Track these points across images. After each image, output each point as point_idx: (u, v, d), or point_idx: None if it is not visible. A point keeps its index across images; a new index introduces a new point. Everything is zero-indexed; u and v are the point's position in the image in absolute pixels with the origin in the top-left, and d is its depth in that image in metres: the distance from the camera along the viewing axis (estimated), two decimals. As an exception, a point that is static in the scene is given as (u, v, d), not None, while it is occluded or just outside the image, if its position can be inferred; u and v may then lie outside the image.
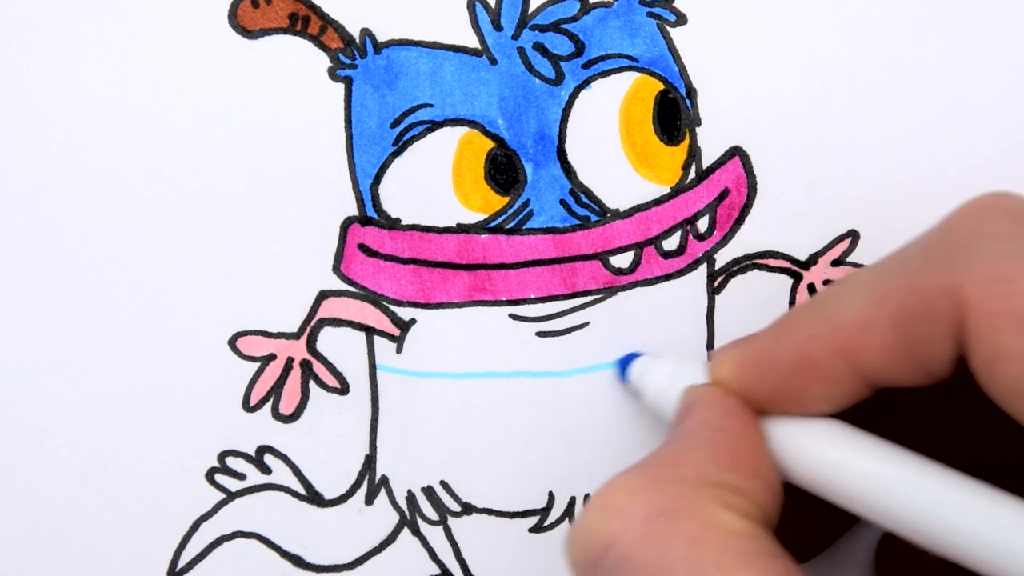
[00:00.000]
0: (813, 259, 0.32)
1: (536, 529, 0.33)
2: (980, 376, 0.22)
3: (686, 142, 0.32)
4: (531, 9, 0.31)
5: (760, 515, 0.23)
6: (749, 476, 0.23)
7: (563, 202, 0.32)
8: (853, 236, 0.32)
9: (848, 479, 0.23)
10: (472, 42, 0.31)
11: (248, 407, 0.32)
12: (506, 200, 0.32)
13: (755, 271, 0.32)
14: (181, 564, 0.32)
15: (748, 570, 0.21)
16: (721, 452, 0.24)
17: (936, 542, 0.22)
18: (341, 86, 0.31)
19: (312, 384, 0.32)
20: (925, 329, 0.22)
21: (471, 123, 0.32)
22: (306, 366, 0.32)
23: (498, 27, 0.31)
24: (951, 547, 0.22)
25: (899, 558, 0.30)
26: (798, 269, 0.33)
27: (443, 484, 0.33)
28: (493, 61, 0.31)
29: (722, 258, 0.32)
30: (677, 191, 0.32)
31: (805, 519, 0.27)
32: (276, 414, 0.32)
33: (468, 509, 0.33)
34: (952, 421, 0.28)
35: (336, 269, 0.32)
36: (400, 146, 0.32)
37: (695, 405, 0.26)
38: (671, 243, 0.32)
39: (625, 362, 0.32)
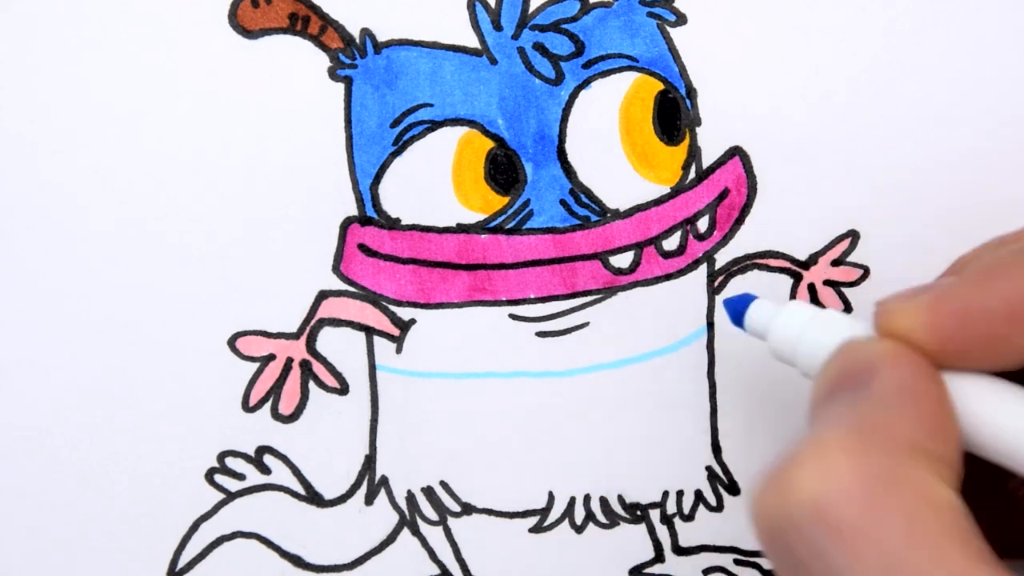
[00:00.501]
0: (813, 259, 0.32)
1: (536, 529, 0.33)
2: None
3: (686, 142, 0.32)
4: (531, 9, 0.31)
5: (957, 484, 0.22)
6: (949, 443, 0.22)
7: (563, 202, 0.32)
8: (853, 236, 0.32)
9: None
10: (472, 42, 0.31)
11: (248, 407, 0.32)
12: (506, 200, 0.32)
13: (755, 271, 0.32)
14: (181, 564, 0.32)
15: (962, 553, 0.20)
16: (927, 418, 0.22)
17: None
18: (341, 86, 0.31)
19: (312, 384, 0.32)
20: None
21: (471, 123, 0.32)
22: (306, 366, 0.32)
23: (498, 27, 0.31)
24: None
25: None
26: (798, 269, 0.33)
27: (443, 484, 0.33)
28: (493, 61, 0.31)
29: (722, 258, 0.32)
30: (677, 191, 0.32)
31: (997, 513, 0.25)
32: (276, 414, 0.32)
33: (468, 509, 0.33)
34: None
35: (336, 269, 0.32)
36: (400, 146, 0.32)
37: (879, 364, 0.23)
38: (671, 243, 0.32)
39: (737, 304, 0.29)
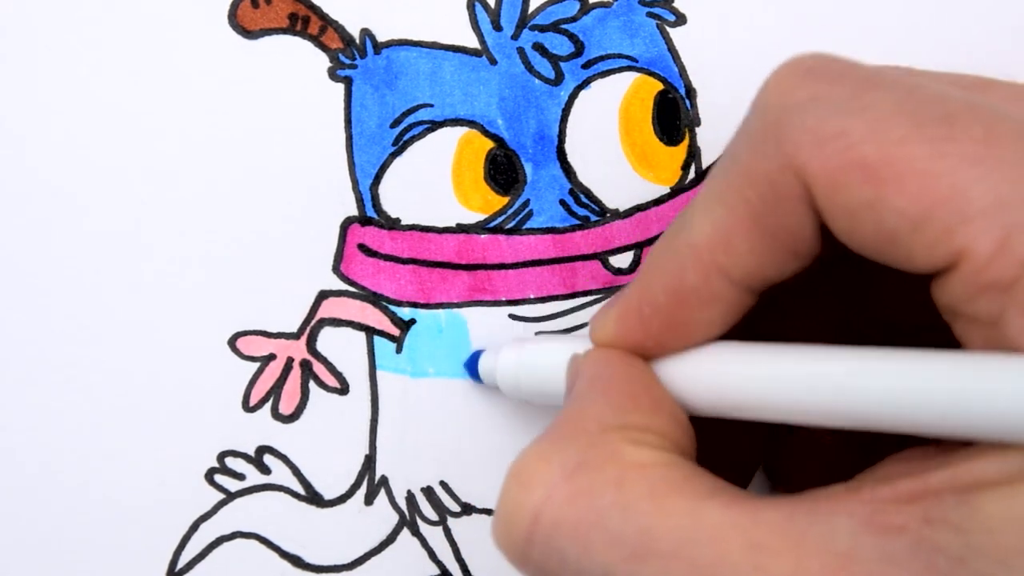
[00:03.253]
0: (813, 259, 0.32)
1: (536, 529, 0.33)
2: (843, 238, 0.22)
3: (685, 142, 0.32)
4: (531, 9, 0.31)
5: (673, 447, 0.23)
6: (651, 412, 0.23)
7: (563, 202, 0.32)
8: (853, 236, 0.32)
9: (748, 388, 0.23)
10: (472, 42, 0.31)
11: (248, 407, 0.32)
12: (506, 200, 0.32)
13: (755, 271, 0.32)
14: (181, 564, 0.32)
15: (679, 495, 0.21)
16: (616, 396, 0.24)
17: (844, 414, 0.22)
18: (341, 86, 0.31)
19: (312, 384, 0.32)
20: (781, 212, 0.22)
21: (471, 123, 0.32)
22: (306, 366, 0.32)
23: (498, 27, 0.31)
24: (862, 415, 0.21)
25: (790, 458, 0.30)
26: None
27: (443, 484, 0.33)
28: (493, 61, 0.31)
29: (722, 258, 0.32)
30: (677, 191, 0.32)
31: (726, 452, 0.26)
32: (276, 414, 0.32)
33: (468, 509, 0.33)
34: (837, 305, 0.28)
35: (336, 269, 0.32)
36: (400, 146, 0.32)
37: (582, 369, 0.25)
38: (671, 243, 0.32)
39: (472, 363, 0.31)
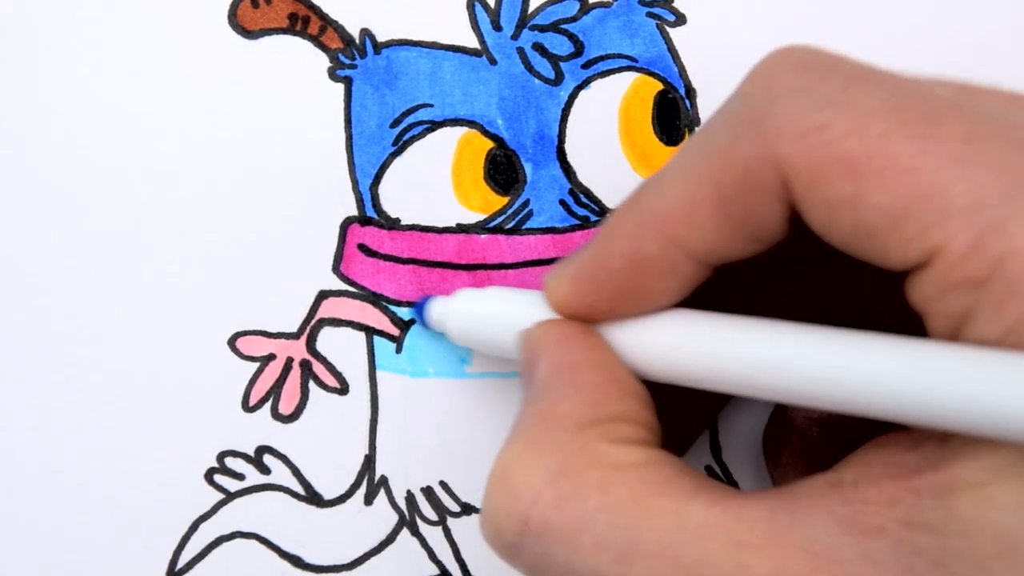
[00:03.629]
0: (813, 259, 0.32)
1: (536, 529, 0.33)
2: (820, 231, 0.22)
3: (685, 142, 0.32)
4: (531, 9, 0.31)
5: (647, 434, 0.23)
6: (621, 399, 0.23)
7: (563, 202, 0.32)
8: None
9: (699, 357, 0.23)
10: (472, 42, 0.31)
11: (247, 407, 0.32)
12: (506, 200, 0.32)
13: (755, 271, 0.32)
14: (180, 564, 0.32)
15: (662, 496, 0.21)
16: (587, 389, 0.24)
17: (795, 391, 0.22)
18: (341, 86, 0.31)
19: (312, 384, 0.32)
20: (750, 199, 0.22)
21: (471, 123, 0.32)
22: (306, 366, 0.32)
23: (498, 27, 0.31)
24: (810, 392, 0.22)
25: (785, 441, 0.30)
26: (798, 269, 0.33)
27: (442, 484, 0.33)
28: (493, 61, 0.31)
29: (722, 258, 0.32)
30: (677, 191, 0.32)
31: (672, 413, 0.27)
32: (275, 414, 0.32)
33: (467, 509, 0.33)
34: (801, 284, 0.28)
35: (336, 269, 0.32)
36: (400, 146, 0.32)
37: (541, 350, 0.25)
38: (671, 243, 0.32)
39: (420, 308, 0.31)
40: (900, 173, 0.20)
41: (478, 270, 0.32)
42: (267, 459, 0.32)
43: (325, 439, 0.32)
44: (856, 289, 0.27)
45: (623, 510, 0.21)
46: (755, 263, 0.24)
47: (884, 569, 0.20)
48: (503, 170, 0.32)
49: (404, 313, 0.32)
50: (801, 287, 0.28)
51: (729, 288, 0.26)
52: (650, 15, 0.32)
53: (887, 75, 0.22)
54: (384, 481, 0.32)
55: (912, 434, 0.21)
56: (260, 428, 0.32)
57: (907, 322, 0.22)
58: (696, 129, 0.24)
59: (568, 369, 0.24)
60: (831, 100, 0.21)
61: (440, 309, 0.30)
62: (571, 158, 0.32)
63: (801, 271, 0.27)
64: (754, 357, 0.22)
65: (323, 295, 0.32)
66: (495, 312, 0.28)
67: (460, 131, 0.32)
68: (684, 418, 0.30)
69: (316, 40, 0.31)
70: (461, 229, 0.32)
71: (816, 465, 0.24)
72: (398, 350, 0.32)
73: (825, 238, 0.22)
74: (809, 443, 0.28)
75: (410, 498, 0.33)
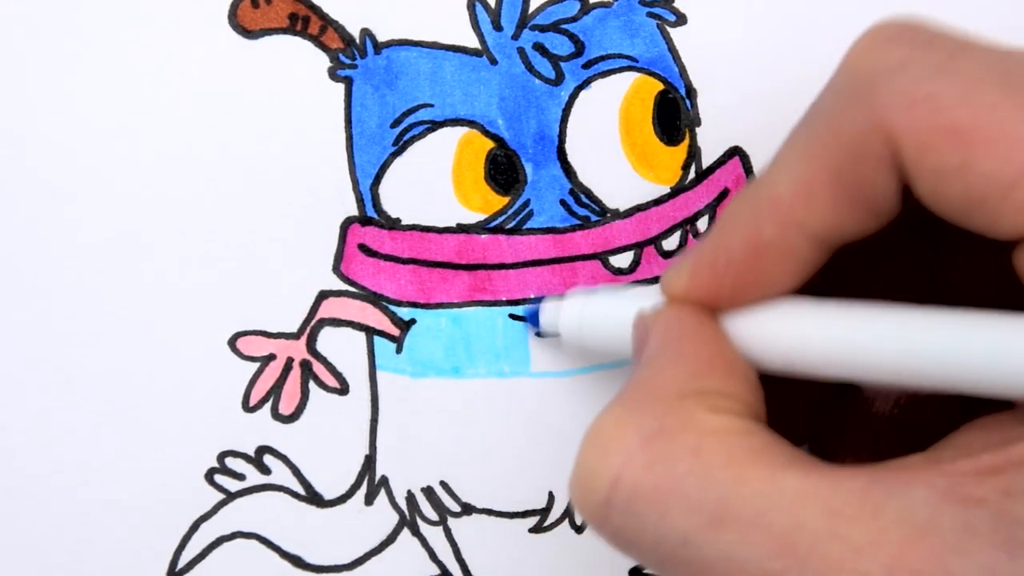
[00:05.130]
0: (813, 259, 0.32)
1: (536, 529, 0.33)
2: (928, 201, 0.22)
3: (686, 142, 0.32)
4: (531, 9, 0.31)
5: (748, 411, 0.23)
6: (726, 376, 0.23)
7: (563, 202, 0.32)
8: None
9: (822, 344, 0.23)
10: (472, 42, 0.31)
11: (248, 407, 0.32)
12: (506, 200, 0.32)
13: (755, 271, 0.32)
14: (181, 564, 0.32)
15: (757, 463, 0.21)
16: (692, 361, 0.24)
17: (922, 372, 0.22)
18: (341, 86, 0.31)
19: (312, 384, 0.32)
20: (864, 171, 0.22)
21: (471, 123, 0.32)
22: (306, 366, 0.32)
23: (498, 27, 0.31)
24: (940, 374, 0.22)
25: (838, 432, 0.29)
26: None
27: (443, 484, 0.33)
28: (493, 61, 0.31)
29: (722, 258, 0.32)
30: (677, 191, 0.32)
31: (789, 410, 0.26)
32: (276, 414, 0.32)
33: (468, 509, 0.33)
34: (911, 272, 0.28)
35: (336, 269, 0.32)
36: (400, 146, 0.32)
37: (652, 329, 0.25)
38: (671, 243, 0.32)
39: (533, 312, 0.31)
40: (1010, 142, 0.20)
41: (478, 270, 0.32)
42: (267, 459, 0.32)
43: (325, 439, 0.32)
44: (960, 265, 0.27)
45: (716, 475, 0.21)
46: (863, 248, 0.24)
47: (983, 539, 0.19)
48: (503, 170, 0.32)
49: (404, 313, 0.32)
50: (904, 263, 0.28)
51: (836, 276, 0.26)
52: (650, 15, 0.32)
53: (990, 46, 0.22)
54: (384, 481, 0.32)
55: (1014, 411, 0.21)
56: (260, 428, 0.32)
57: (1012, 296, 0.22)
58: (797, 123, 0.24)
59: (675, 341, 0.24)
60: (938, 70, 0.21)
61: (552, 314, 0.30)
62: (571, 158, 0.32)
63: (903, 248, 0.27)
64: (875, 341, 0.22)
65: (323, 295, 0.32)
66: (610, 309, 0.28)
67: (460, 131, 0.32)
68: (796, 416, 0.29)
69: (316, 40, 0.31)
70: (461, 229, 0.32)
71: (883, 455, 0.24)
72: (398, 350, 0.32)
73: (933, 208, 0.22)
74: (881, 433, 0.28)
75: (410, 498, 0.33)
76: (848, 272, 0.27)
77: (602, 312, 0.28)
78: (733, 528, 0.21)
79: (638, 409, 0.23)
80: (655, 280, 0.32)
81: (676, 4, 0.32)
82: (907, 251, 0.27)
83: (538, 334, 0.31)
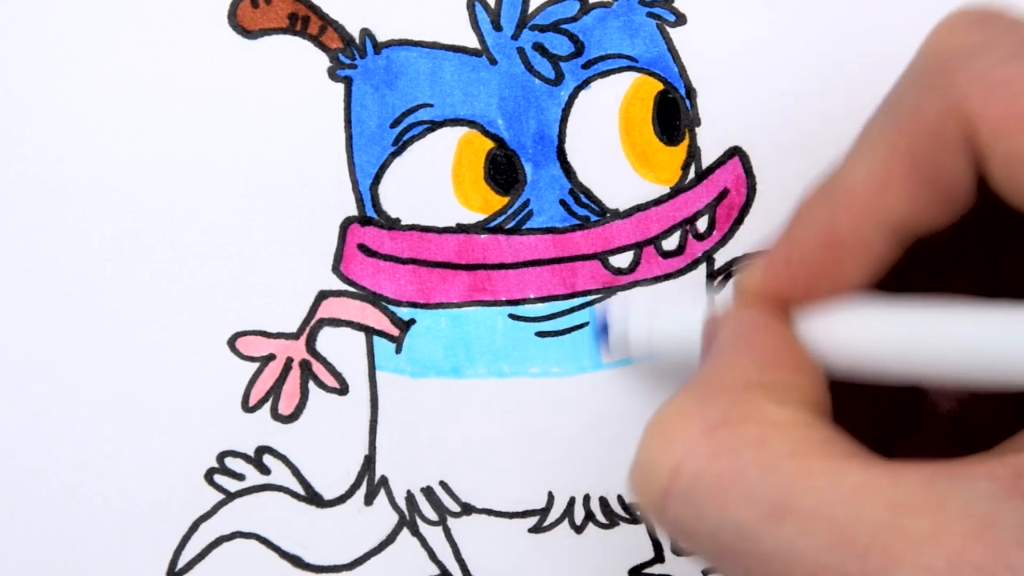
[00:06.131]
0: (813, 259, 0.32)
1: (536, 529, 0.33)
2: (1002, 189, 0.21)
3: (685, 142, 0.32)
4: (531, 9, 0.31)
5: (813, 405, 0.23)
6: (793, 371, 0.23)
7: (563, 202, 0.32)
8: (853, 236, 0.32)
9: (897, 347, 0.23)
10: (472, 42, 0.31)
11: (247, 407, 0.32)
12: (506, 200, 0.32)
13: (755, 271, 0.32)
14: (180, 564, 0.32)
15: (819, 455, 0.21)
16: (759, 354, 0.23)
17: (1006, 374, 0.22)
18: (341, 86, 0.31)
19: (311, 384, 0.32)
20: (941, 158, 0.22)
21: (471, 123, 0.32)
22: (305, 366, 0.32)
23: (498, 27, 0.31)
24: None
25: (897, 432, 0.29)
26: (798, 269, 0.32)
27: (442, 484, 0.33)
28: (493, 61, 0.31)
29: (721, 258, 0.32)
30: (677, 191, 0.32)
31: (853, 407, 0.26)
32: (275, 414, 0.32)
33: (468, 509, 0.33)
34: (980, 264, 0.27)
35: (336, 269, 0.32)
36: (400, 146, 0.32)
37: (722, 324, 0.25)
38: (670, 243, 0.32)
39: (601, 328, 0.31)
40: None
41: (478, 270, 0.32)
42: (267, 459, 0.32)
43: (325, 439, 0.32)
44: (1019, 266, 0.27)
45: (777, 466, 0.21)
46: (933, 245, 0.24)
47: None
48: (503, 170, 0.32)
49: (404, 313, 0.32)
50: (974, 259, 0.27)
51: (907, 274, 0.25)
52: (650, 15, 0.32)
53: None
54: (384, 481, 0.32)
55: None
56: (260, 428, 0.32)
57: None
58: (873, 112, 0.24)
59: (743, 335, 0.24)
60: (1017, 55, 0.21)
61: (621, 330, 0.30)
62: (571, 158, 0.32)
63: (974, 243, 0.27)
64: (963, 343, 0.22)
65: (323, 295, 0.32)
66: (679, 320, 0.28)
67: (460, 131, 0.32)
68: (875, 422, 0.29)
69: (316, 40, 0.31)
70: (461, 229, 0.32)
71: (945, 454, 0.23)
72: (398, 350, 0.32)
73: (1006, 197, 0.21)
74: (943, 432, 0.28)
75: (410, 498, 0.33)
76: (918, 270, 0.26)
77: (673, 326, 0.28)
78: (792, 520, 0.20)
79: (702, 399, 0.22)
80: (655, 280, 0.32)
81: (676, 4, 0.32)
82: (977, 248, 0.27)
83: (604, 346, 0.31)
